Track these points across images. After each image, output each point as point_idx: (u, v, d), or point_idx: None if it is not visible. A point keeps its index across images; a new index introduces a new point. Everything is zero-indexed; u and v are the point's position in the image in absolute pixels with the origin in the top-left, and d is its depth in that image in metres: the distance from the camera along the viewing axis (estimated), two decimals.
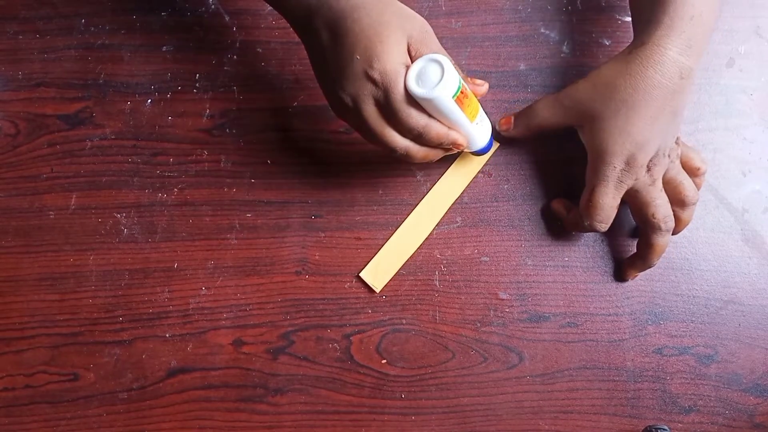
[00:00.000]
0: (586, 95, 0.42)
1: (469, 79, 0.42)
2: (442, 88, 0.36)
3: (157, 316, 0.47)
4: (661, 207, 0.42)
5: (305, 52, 0.42)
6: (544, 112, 0.45)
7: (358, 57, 0.37)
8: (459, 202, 0.48)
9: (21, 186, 0.49)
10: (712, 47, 0.51)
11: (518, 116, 0.47)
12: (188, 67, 0.50)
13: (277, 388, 0.46)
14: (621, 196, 0.43)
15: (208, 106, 0.50)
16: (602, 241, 0.48)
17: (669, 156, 0.42)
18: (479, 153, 0.46)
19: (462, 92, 0.38)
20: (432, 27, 0.38)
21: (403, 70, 0.37)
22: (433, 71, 0.37)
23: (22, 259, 0.47)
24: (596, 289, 0.47)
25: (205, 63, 0.50)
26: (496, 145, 0.48)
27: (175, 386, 0.46)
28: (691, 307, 0.47)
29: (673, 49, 0.40)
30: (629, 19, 0.50)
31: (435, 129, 0.39)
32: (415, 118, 0.38)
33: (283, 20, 0.43)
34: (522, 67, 0.50)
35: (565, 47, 0.51)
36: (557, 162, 0.47)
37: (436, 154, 0.42)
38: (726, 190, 0.49)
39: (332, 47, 0.39)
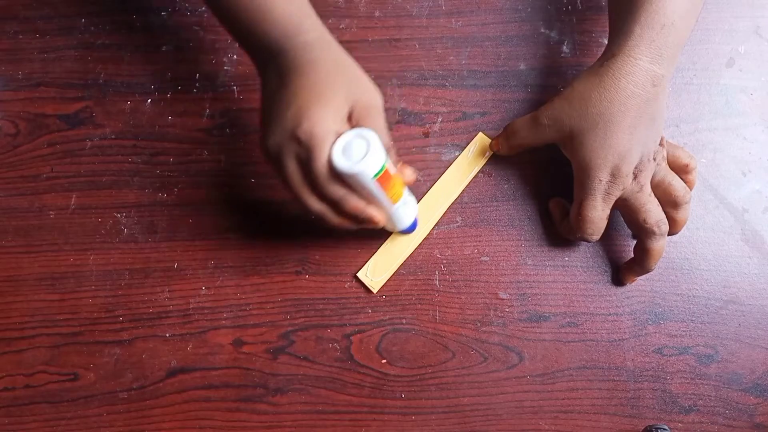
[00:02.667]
0: (562, 112, 0.42)
1: (400, 164, 0.41)
2: (363, 166, 0.35)
3: (157, 315, 0.47)
4: (651, 212, 0.42)
5: None
6: (523, 132, 0.45)
7: (291, 112, 0.37)
8: (459, 202, 0.48)
9: (21, 186, 0.49)
10: (712, 47, 0.51)
11: (501, 137, 0.47)
12: (188, 67, 0.50)
13: (277, 388, 0.46)
14: (610, 207, 0.43)
15: (208, 106, 0.50)
16: (602, 241, 0.47)
17: (654, 159, 0.42)
18: (403, 232, 0.46)
19: (384, 174, 0.37)
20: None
21: (332, 138, 0.36)
22: (359, 147, 0.36)
23: (22, 259, 0.47)
24: (596, 289, 0.47)
25: (205, 63, 0.50)
26: (421, 224, 0.47)
27: (175, 386, 0.46)
28: (691, 306, 0.47)
29: (644, 59, 0.40)
30: None
31: (352, 202, 0.38)
32: (333, 187, 0.37)
33: None
34: (522, 66, 0.50)
35: (565, 47, 0.51)
36: (558, 162, 0.47)
37: (352, 224, 0.40)
38: (726, 190, 0.49)
39: (276, 94, 0.39)
